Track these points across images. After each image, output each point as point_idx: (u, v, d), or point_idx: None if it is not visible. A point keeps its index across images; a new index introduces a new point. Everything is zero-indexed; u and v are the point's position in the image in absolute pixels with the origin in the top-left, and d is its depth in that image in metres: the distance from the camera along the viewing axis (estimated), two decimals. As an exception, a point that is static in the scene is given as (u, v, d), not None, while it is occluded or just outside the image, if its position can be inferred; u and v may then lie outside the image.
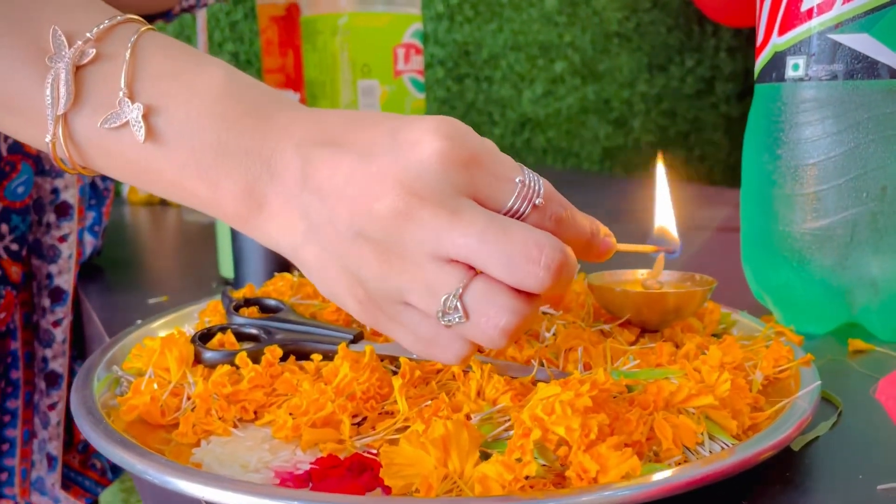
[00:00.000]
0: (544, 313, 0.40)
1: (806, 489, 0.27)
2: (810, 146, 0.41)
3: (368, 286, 0.28)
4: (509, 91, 1.60)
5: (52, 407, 0.62)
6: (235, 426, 0.31)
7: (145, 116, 0.28)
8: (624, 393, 0.30)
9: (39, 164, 0.59)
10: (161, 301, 0.55)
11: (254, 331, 0.38)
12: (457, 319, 0.27)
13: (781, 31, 0.42)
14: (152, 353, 0.35)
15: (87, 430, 0.29)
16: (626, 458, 0.25)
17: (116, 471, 0.70)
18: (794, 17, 0.41)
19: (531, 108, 1.63)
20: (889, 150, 0.40)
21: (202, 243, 0.77)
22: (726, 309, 0.42)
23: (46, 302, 0.61)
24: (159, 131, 0.28)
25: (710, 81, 1.82)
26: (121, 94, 0.28)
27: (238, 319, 0.39)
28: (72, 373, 0.64)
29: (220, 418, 0.31)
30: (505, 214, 0.28)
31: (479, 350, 0.35)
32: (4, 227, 0.58)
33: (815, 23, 0.40)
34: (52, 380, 0.62)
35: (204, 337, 0.37)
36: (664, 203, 0.38)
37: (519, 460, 0.25)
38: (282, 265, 0.52)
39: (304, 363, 0.35)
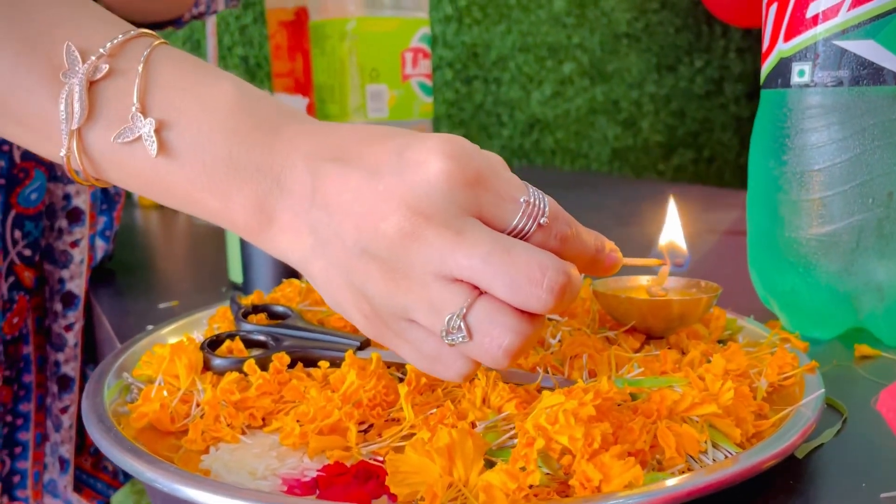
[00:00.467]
0: (550, 319, 0.40)
1: (809, 497, 0.27)
2: (816, 152, 0.41)
3: (374, 302, 0.28)
4: (518, 92, 1.60)
5: (64, 410, 0.63)
6: (244, 433, 0.32)
7: (157, 131, 0.29)
8: (628, 401, 0.30)
9: (52, 170, 0.60)
10: (171, 306, 0.55)
11: (262, 337, 0.38)
12: (460, 339, 0.27)
13: (787, 38, 0.42)
14: (162, 360, 0.35)
15: (98, 438, 0.29)
16: (629, 468, 0.25)
17: (128, 473, 0.71)
18: (799, 24, 0.41)
19: (540, 109, 1.63)
20: (895, 156, 0.40)
21: (212, 247, 0.77)
22: (732, 315, 0.42)
23: (59, 307, 0.62)
24: (171, 145, 0.29)
25: (719, 82, 1.82)
26: (133, 108, 0.29)
27: (246, 326, 0.40)
28: (83, 377, 0.64)
29: (228, 425, 0.32)
30: (510, 233, 0.28)
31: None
32: (18, 233, 0.58)
33: (821, 29, 0.40)
34: (65, 384, 0.63)
35: (213, 344, 0.37)
36: (673, 225, 0.38)
37: (523, 469, 0.25)
38: (290, 271, 0.52)
39: (311, 370, 0.36)
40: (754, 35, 1.80)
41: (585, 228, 0.30)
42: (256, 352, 0.37)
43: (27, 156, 0.57)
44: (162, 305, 0.56)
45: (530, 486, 0.25)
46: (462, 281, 0.27)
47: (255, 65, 1.35)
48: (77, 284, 0.62)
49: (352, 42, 0.82)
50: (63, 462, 0.64)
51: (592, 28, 1.65)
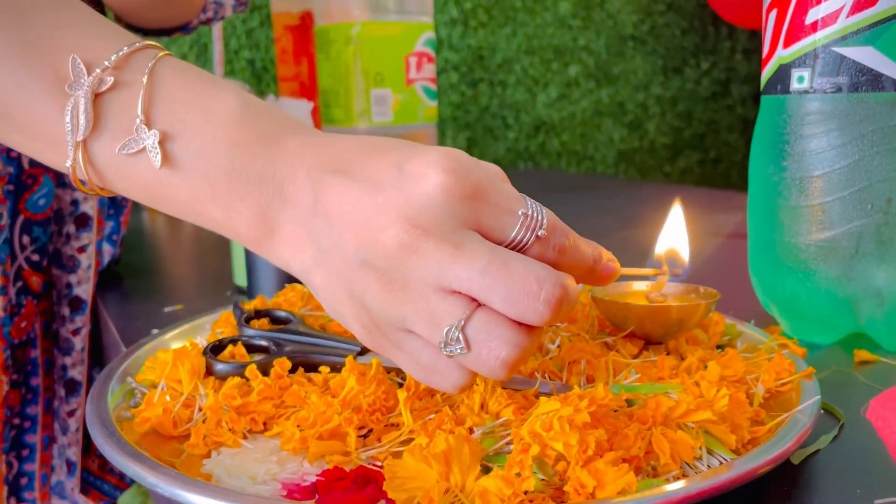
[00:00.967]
0: (549, 325, 0.40)
1: (804, 503, 0.28)
2: (815, 158, 0.41)
3: (373, 312, 0.28)
4: (523, 95, 1.61)
5: (71, 414, 0.64)
6: (245, 437, 0.32)
7: (161, 142, 0.29)
8: (624, 407, 0.30)
9: (60, 176, 0.60)
10: (176, 310, 0.56)
11: (264, 343, 0.39)
12: (458, 350, 0.27)
13: (786, 44, 0.42)
14: (165, 365, 0.36)
15: (101, 442, 0.30)
16: (623, 474, 0.25)
17: (134, 475, 0.71)
18: (798, 30, 0.41)
19: (545, 111, 1.63)
20: (894, 162, 0.40)
21: (217, 251, 0.78)
22: (731, 320, 0.42)
23: (66, 311, 0.62)
24: (175, 157, 0.29)
25: (725, 84, 1.81)
26: (138, 120, 0.29)
27: (249, 331, 0.40)
28: (90, 380, 0.65)
29: (230, 430, 0.32)
30: (508, 246, 0.28)
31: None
32: (26, 239, 0.59)
33: (820, 36, 0.40)
34: (72, 387, 0.63)
35: (215, 349, 0.38)
36: (678, 232, 0.38)
37: (518, 475, 0.26)
38: (293, 275, 0.53)
39: (312, 375, 0.36)
40: (760, 36, 1.80)
41: (583, 239, 0.31)
42: (258, 357, 0.38)
43: (35, 162, 0.58)
44: (167, 309, 0.56)
45: (525, 492, 0.25)
46: (460, 293, 0.27)
47: (262, 68, 1.36)
48: (84, 289, 0.62)
49: (356, 47, 0.83)
50: (70, 464, 0.64)
51: (598, 30, 1.66)
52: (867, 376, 0.39)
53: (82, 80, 0.29)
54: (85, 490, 0.67)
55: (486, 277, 0.26)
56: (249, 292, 0.56)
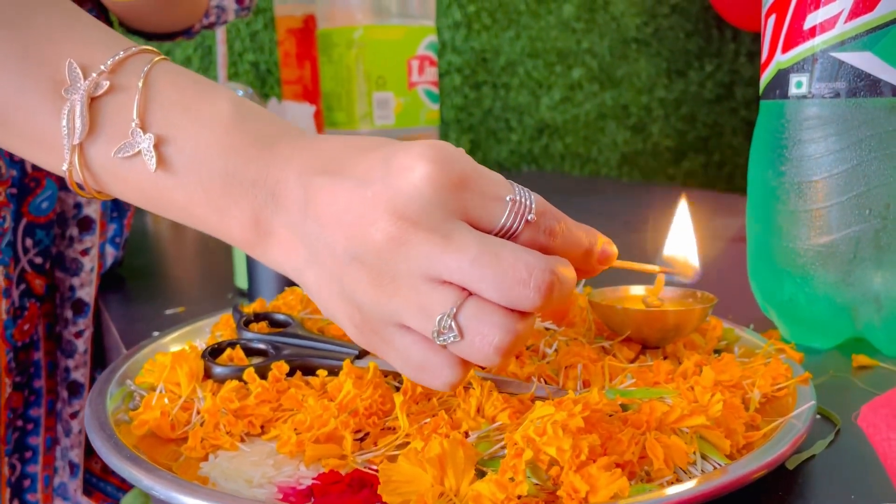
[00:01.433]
0: (546, 329, 0.40)
1: (797, 509, 0.28)
2: (814, 163, 0.41)
3: (364, 309, 0.29)
4: (527, 98, 1.61)
5: (73, 416, 0.64)
6: (242, 440, 0.32)
7: (156, 146, 0.30)
8: (618, 412, 0.30)
9: (63, 180, 0.61)
10: (178, 312, 0.56)
11: (262, 346, 0.39)
12: (452, 338, 0.27)
13: (785, 49, 0.42)
14: (164, 368, 0.36)
15: (99, 445, 0.30)
16: (616, 479, 0.25)
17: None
18: (797, 35, 0.41)
19: (549, 114, 1.63)
20: (892, 167, 0.40)
21: (219, 253, 0.78)
22: (729, 324, 0.42)
23: (69, 314, 0.63)
24: (170, 160, 0.30)
25: (729, 86, 1.81)
26: (133, 124, 0.30)
27: (247, 335, 0.40)
28: (93, 382, 0.65)
29: (227, 433, 0.32)
30: (498, 233, 0.28)
31: (481, 367, 0.36)
32: (29, 242, 0.59)
33: (818, 41, 0.40)
34: (74, 389, 0.64)
35: (214, 352, 0.38)
36: (687, 235, 0.38)
37: (512, 479, 0.26)
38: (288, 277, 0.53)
39: (310, 378, 0.36)
40: (765, 39, 1.79)
41: (577, 223, 0.31)
42: (256, 360, 0.38)
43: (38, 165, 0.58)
44: (169, 311, 0.57)
45: (519, 497, 0.26)
46: (451, 283, 0.27)
47: (266, 71, 1.36)
48: (87, 292, 0.63)
49: (359, 50, 0.83)
50: (73, 466, 0.65)
51: (602, 33, 1.66)
52: (865, 381, 0.39)
53: (79, 85, 0.30)
54: (88, 492, 0.67)
55: (475, 267, 0.26)
56: (250, 295, 0.56)
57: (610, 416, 0.30)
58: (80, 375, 0.64)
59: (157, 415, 0.32)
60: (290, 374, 0.36)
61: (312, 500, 0.28)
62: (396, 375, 0.36)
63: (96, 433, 0.31)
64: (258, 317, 0.43)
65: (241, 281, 0.60)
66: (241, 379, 0.35)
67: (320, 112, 0.94)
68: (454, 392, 0.33)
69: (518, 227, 0.29)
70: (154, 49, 0.32)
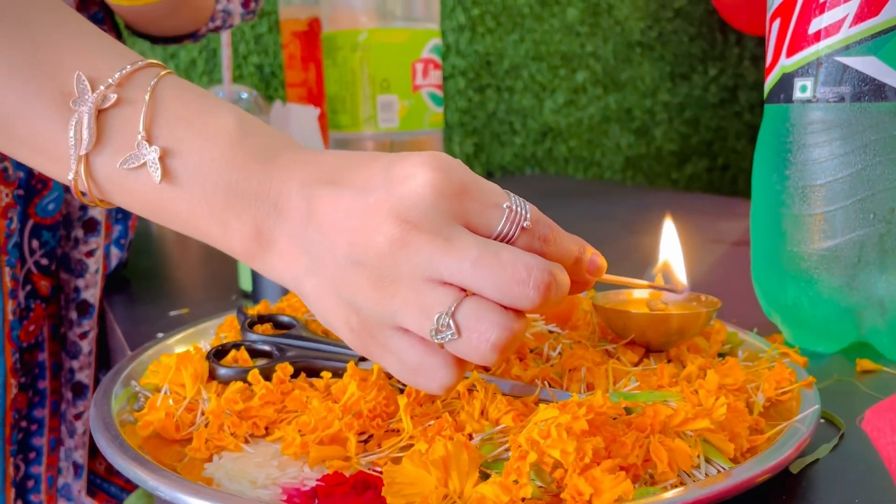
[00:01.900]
0: (550, 332, 0.40)
1: (801, 513, 0.28)
2: (818, 167, 0.42)
3: (362, 312, 0.29)
4: (531, 101, 1.61)
5: (77, 417, 0.64)
6: (247, 442, 0.33)
7: (161, 158, 0.30)
8: (622, 415, 0.31)
9: (68, 182, 0.61)
10: (182, 313, 0.56)
11: (267, 348, 0.39)
12: (449, 336, 0.28)
13: (789, 53, 0.42)
14: (168, 369, 0.36)
15: (104, 446, 0.30)
16: (620, 482, 0.25)
17: (140, 478, 0.72)
18: (801, 40, 0.41)
19: (553, 117, 1.63)
20: (896, 171, 0.40)
21: (223, 255, 0.78)
22: (733, 328, 0.42)
23: (74, 315, 0.63)
24: (174, 173, 0.30)
25: (733, 90, 1.81)
26: (139, 137, 0.30)
27: (252, 336, 0.40)
28: (97, 383, 0.65)
29: (232, 434, 0.32)
30: (495, 238, 0.29)
31: (485, 369, 0.36)
32: (35, 243, 0.60)
33: (823, 45, 0.40)
34: (79, 390, 0.64)
35: (219, 353, 0.38)
36: (673, 252, 0.39)
37: (516, 482, 0.26)
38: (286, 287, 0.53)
39: (314, 380, 0.36)
40: (769, 43, 1.79)
41: (567, 233, 0.31)
42: (261, 362, 0.38)
43: (44, 167, 0.59)
44: (173, 313, 0.57)
45: (523, 500, 0.26)
46: (451, 284, 0.28)
47: (270, 73, 1.37)
48: (92, 293, 0.63)
49: (363, 53, 0.83)
50: (77, 467, 0.65)
51: (606, 37, 1.66)
52: (869, 385, 0.39)
53: (86, 97, 0.30)
54: (92, 492, 0.68)
55: (477, 268, 0.27)
56: (254, 296, 0.56)
57: (614, 419, 0.30)
58: (84, 376, 0.64)
59: (162, 416, 0.33)
60: (295, 375, 0.37)
61: (316, 501, 0.28)
62: (400, 378, 0.36)
63: (101, 434, 0.31)
64: (262, 318, 0.43)
65: (246, 283, 0.60)
66: (245, 380, 0.35)
67: (324, 115, 0.94)
68: (448, 395, 0.33)
69: (514, 234, 0.29)
70: (160, 63, 0.33)
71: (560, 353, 0.37)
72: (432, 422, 0.31)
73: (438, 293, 0.28)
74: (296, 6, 1.00)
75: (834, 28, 0.40)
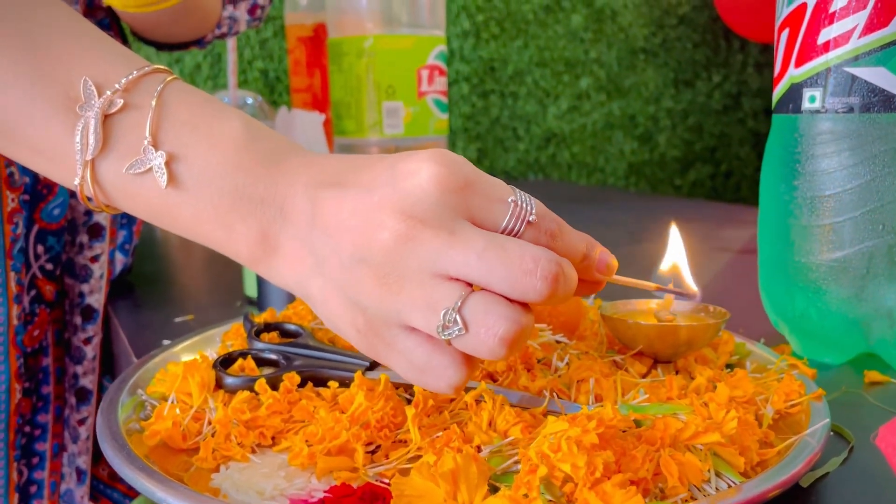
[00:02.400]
0: (558, 342, 0.40)
1: (812, 528, 0.27)
2: (827, 178, 0.41)
3: (368, 312, 0.29)
4: (534, 107, 1.61)
5: (81, 422, 0.64)
6: (254, 452, 0.32)
7: (167, 163, 0.30)
8: (632, 428, 0.30)
9: (73, 187, 0.61)
10: (187, 320, 0.56)
11: (274, 356, 0.39)
12: (456, 332, 0.27)
13: (798, 63, 0.42)
14: (175, 378, 0.36)
15: (111, 455, 0.30)
16: (631, 497, 0.25)
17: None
18: (810, 50, 0.41)
19: (556, 123, 1.63)
20: (906, 182, 0.40)
21: (228, 261, 0.78)
22: (741, 339, 0.42)
23: (78, 320, 0.63)
24: (180, 178, 0.30)
25: (736, 97, 1.81)
26: (146, 142, 0.30)
27: (258, 345, 0.40)
28: (101, 389, 0.65)
29: (239, 444, 0.32)
30: (501, 233, 0.29)
31: (493, 379, 0.36)
32: (40, 248, 0.60)
33: (832, 56, 0.40)
34: (83, 396, 0.64)
35: (225, 362, 0.38)
36: (680, 260, 0.39)
37: (526, 496, 0.26)
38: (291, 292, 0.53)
39: (321, 390, 0.36)
40: (773, 50, 1.79)
41: (574, 230, 0.31)
42: (268, 371, 0.38)
43: (50, 172, 0.59)
44: (178, 319, 0.57)
45: (532, 513, 0.25)
46: (457, 279, 0.28)
47: (275, 78, 1.37)
48: (96, 299, 0.63)
49: (369, 59, 0.83)
50: (80, 472, 0.65)
51: (609, 43, 1.66)
52: (877, 397, 0.39)
53: (93, 102, 0.30)
54: (94, 498, 0.67)
55: (483, 261, 0.27)
56: (260, 303, 0.56)
57: (624, 431, 0.30)
58: (88, 382, 0.64)
59: (169, 425, 0.32)
60: (302, 385, 0.36)
61: (324, 513, 0.28)
62: (408, 388, 0.36)
63: (108, 443, 0.31)
64: (269, 326, 0.43)
65: (251, 289, 0.60)
66: (252, 389, 0.35)
67: (330, 121, 0.94)
68: (456, 406, 0.33)
69: (520, 228, 0.29)
70: (166, 69, 0.33)
71: (568, 364, 0.37)
72: (440, 433, 0.31)
73: (444, 288, 0.27)
74: (302, 12, 1.00)
75: (843, 38, 0.40)
